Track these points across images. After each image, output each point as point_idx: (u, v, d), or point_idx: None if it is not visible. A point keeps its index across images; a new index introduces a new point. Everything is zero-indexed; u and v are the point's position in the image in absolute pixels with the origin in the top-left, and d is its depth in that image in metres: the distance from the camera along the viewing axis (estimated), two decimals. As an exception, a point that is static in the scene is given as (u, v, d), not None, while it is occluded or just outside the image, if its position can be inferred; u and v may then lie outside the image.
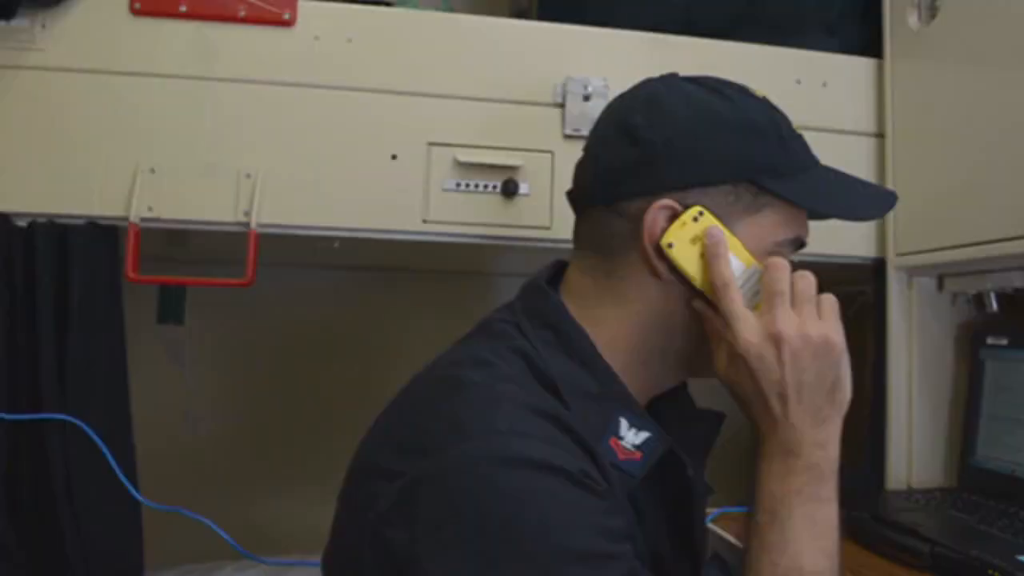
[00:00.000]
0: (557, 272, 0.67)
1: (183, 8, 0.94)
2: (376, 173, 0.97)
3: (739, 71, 1.06)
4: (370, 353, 1.44)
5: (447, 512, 0.49)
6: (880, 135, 1.10)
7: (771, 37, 1.11)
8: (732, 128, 0.60)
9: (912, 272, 1.05)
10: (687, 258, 0.59)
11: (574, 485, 0.50)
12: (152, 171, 0.93)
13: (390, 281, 1.50)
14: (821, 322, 0.56)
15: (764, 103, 0.63)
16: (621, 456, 0.58)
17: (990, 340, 1.01)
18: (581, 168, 0.66)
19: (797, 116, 1.06)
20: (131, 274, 0.92)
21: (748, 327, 0.56)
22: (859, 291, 1.19)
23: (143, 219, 0.93)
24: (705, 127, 0.60)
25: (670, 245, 0.59)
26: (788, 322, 0.55)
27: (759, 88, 0.68)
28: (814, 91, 1.09)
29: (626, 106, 0.64)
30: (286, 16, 0.96)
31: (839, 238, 1.09)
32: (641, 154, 0.60)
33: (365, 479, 0.57)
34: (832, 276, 1.26)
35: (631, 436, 0.59)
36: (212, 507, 1.01)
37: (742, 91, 0.63)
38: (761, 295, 0.58)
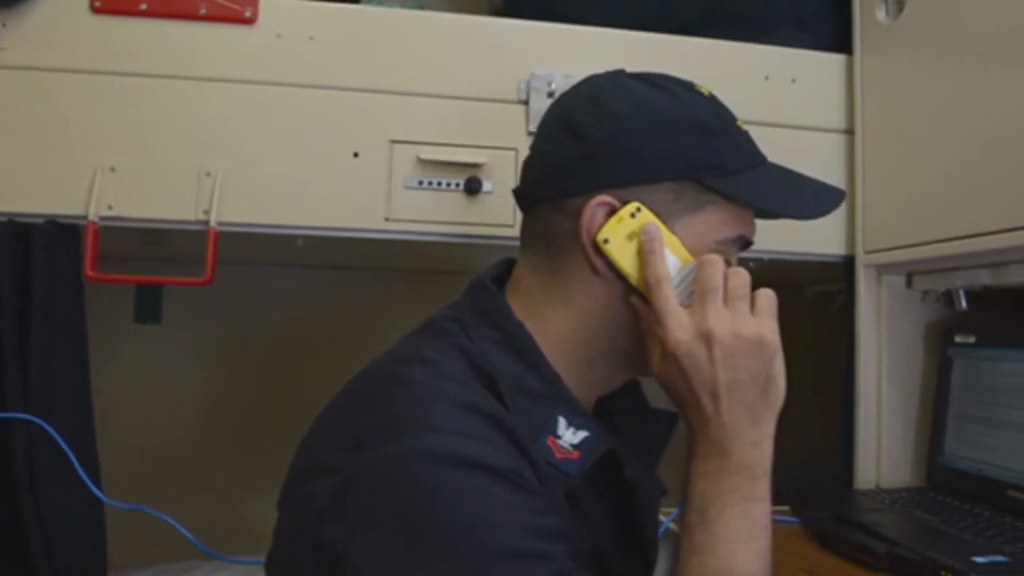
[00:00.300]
0: (506, 270, 0.67)
1: (143, 6, 0.94)
2: (338, 171, 0.97)
3: (707, 68, 1.07)
4: (347, 352, 1.43)
5: (377, 510, 0.49)
6: (850, 132, 1.09)
7: (742, 33, 1.10)
8: (675, 125, 0.59)
9: (881, 269, 1.04)
10: (623, 254, 0.58)
11: (506, 484, 0.50)
12: (112, 169, 0.93)
13: (367, 280, 1.50)
14: (754, 319, 0.55)
15: (710, 100, 0.63)
16: (558, 455, 0.57)
17: (958, 338, 1.00)
18: (527, 165, 0.66)
19: (765, 113, 1.08)
20: (89, 272, 0.92)
21: (679, 325, 0.55)
22: (840, 289, 1.18)
23: (103, 218, 0.92)
24: (647, 124, 0.59)
25: (606, 241, 0.58)
26: (719, 320, 0.55)
27: (704, 85, 0.67)
28: (783, 87, 1.08)
29: (571, 103, 0.63)
30: (248, 14, 0.96)
31: (809, 236, 1.08)
32: (584, 151, 0.60)
33: (303, 477, 0.56)
34: (812, 275, 1.27)
35: (569, 435, 0.58)
36: (190, 506, 1.01)
37: (688, 88, 0.63)
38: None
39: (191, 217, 0.94)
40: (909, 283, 1.04)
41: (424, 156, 0.98)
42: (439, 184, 0.98)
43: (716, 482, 0.54)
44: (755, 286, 1.76)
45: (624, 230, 0.58)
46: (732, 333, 0.54)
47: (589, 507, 0.60)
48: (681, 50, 1.07)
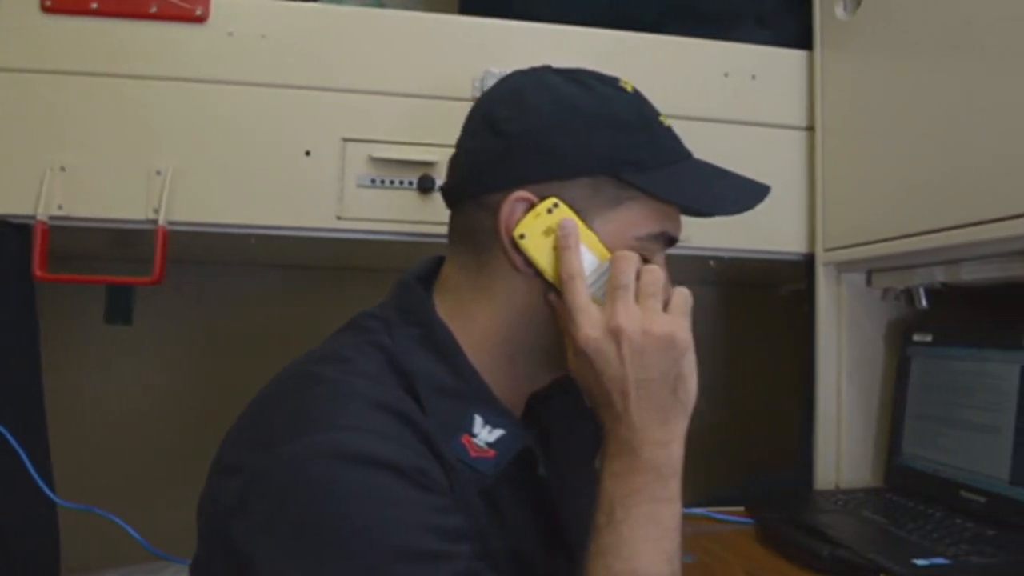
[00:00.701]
0: (434, 268, 0.66)
1: (94, 5, 0.94)
2: (290, 170, 0.96)
3: (665, 65, 1.07)
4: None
5: (277, 508, 0.49)
6: (811, 128, 1.08)
7: (702, 30, 1.09)
8: (593, 121, 0.59)
9: (841, 268, 1.03)
10: (539, 250, 0.58)
11: (408, 483, 0.50)
12: (62, 169, 0.93)
13: (343, 280, 1.49)
14: (666, 317, 0.55)
15: (631, 96, 0.62)
16: (473, 454, 0.57)
17: (916, 337, 0.99)
18: (452, 162, 0.65)
19: (725, 110, 1.07)
20: (38, 272, 0.91)
21: (589, 321, 0.54)
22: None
23: (52, 217, 0.92)
24: (565, 120, 0.59)
25: (522, 236, 0.58)
26: (629, 317, 0.54)
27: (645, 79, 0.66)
28: (743, 84, 1.07)
29: (492, 99, 0.63)
30: (199, 12, 0.96)
31: (770, 234, 1.08)
32: (503, 146, 0.59)
33: (216, 476, 0.56)
34: (784, 273, 1.25)
35: (485, 434, 0.57)
36: (164, 507, 1.01)
37: (610, 84, 0.62)
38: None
39: (141, 216, 0.94)
40: (869, 281, 1.03)
41: (377, 154, 0.97)
42: (392, 183, 0.98)
43: (624, 482, 0.53)
44: (729, 285, 1.75)
45: (540, 226, 0.57)
46: (642, 330, 0.54)
47: (508, 506, 0.59)
48: (638, 47, 1.06)
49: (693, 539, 0.86)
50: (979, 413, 0.87)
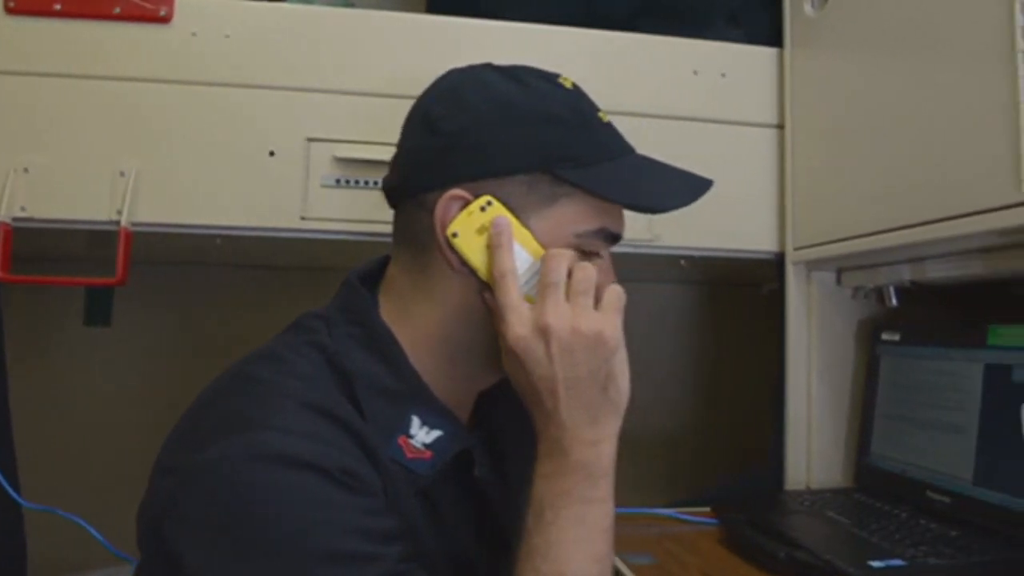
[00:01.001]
0: (380, 267, 0.66)
1: (57, 7, 0.94)
2: (254, 170, 0.96)
3: (634, 63, 1.06)
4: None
5: (205, 509, 0.49)
6: (781, 126, 1.07)
7: (673, 28, 1.09)
8: (526, 117, 0.58)
9: (811, 266, 1.02)
10: (472, 248, 0.57)
11: (335, 484, 0.49)
12: (26, 170, 0.92)
13: (325, 280, 1.49)
14: (596, 315, 0.54)
15: (569, 92, 0.61)
16: (409, 455, 0.56)
17: (885, 336, 0.98)
18: (393, 161, 0.65)
19: (694, 108, 1.07)
20: (1, 273, 0.91)
21: (519, 319, 0.54)
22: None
23: (15, 219, 0.92)
24: (499, 116, 0.58)
25: (455, 234, 0.57)
26: (557, 314, 0.53)
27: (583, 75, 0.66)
28: (712, 82, 1.06)
29: (429, 97, 0.63)
30: (162, 13, 0.95)
31: (740, 233, 1.07)
32: (438, 144, 0.59)
33: (153, 477, 0.56)
34: (767, 272, 1.25)
35: (422, 435, 0.57)
36: (129, 509, 1.00)
37: (548, 80, 0.61)
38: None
39: (105, 217, 0.93)
40: (839, 280, 1.02)
41: (341, 154, 0.97)
42: (356, 182, 0.97)
43: (553, 483, 0.53)
44: (714, 285, 1.74)
45: (474, 223, 0.57)
46: (570, 328, 0.53)
47: (448, 507, 0.59)
48: (607, 45, 1.05)
49: (655, 540, 0.86)
50: (944, 412, 0.86)
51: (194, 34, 0.96)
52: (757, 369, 1.44)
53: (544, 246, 0.57)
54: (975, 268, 0.80)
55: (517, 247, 0.57)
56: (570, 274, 0.55)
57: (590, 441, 0.53)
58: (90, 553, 1.03)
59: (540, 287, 0.55)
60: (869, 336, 1.02)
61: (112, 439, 1.37)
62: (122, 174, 0.94)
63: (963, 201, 0.74)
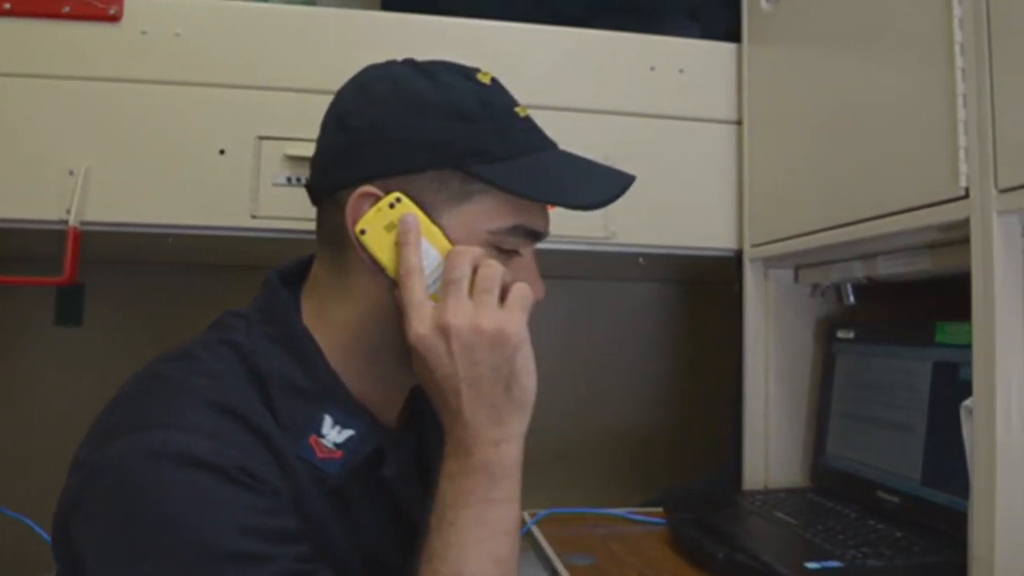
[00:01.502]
0: (305, 266, 0.65)
1: (7, 5, 0.93)
2: (203, 168, 0.96)
3: (590, 59, 1.05)
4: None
5: (103, 506, 0.49)
6: (739, 123, 1.06)
7: (632, 24, 1.08)
8: (434, 112, 0.57)
9: (768, 263, 1.01)
10: (380, 245, 0.56)
11: (228, 483, 0.49)
12: (-26, 170, 0.92)
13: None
14: (498, 312, 0.53)
15: (484, 87, 0.60)
16: (320, 455, 0.55)
17: (840, 334, 0.97)
18: (312, 159, 0.64)
19: (652, 104, 1.06)
20: (-53, 273, 0.91)
21: (420, 318, 0.53)
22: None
23: (-36, 218, 0.92)
24: (408, 112, 0.57)
25: (363, 231, 0.56)
26: (458, 312, 0.52)
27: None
28: (670, 78, 1.05)
29: (342, 93, 0.62)
30: (112, 11, 0.95)
31: (699, 230, 1.06)
32: (348, 141, 0.58)
33: (68, 475, 0.55)
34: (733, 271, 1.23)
35: (334, 435, 0.56)
36: None
37: (461, 74, 0.60)
38: None
39: (53, 217, 0.93)
40: (796, 278, 1.01)
41: (292, 152, 0.96)
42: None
43: (456, 483, 0.52)
44: (688, 283, 1.72)
45: (382, 221, 0.56)
46: (471, 326, 0.52)
47: (363, 507, 0.58)
48: (563, 41, 1.05)
49: (601, 541, 0.85)
50: (895, 411, 0.85)
51: (144, 33, 0.96)
52: (732, 368, 1.43)
53: (454, 244, 0.56)
54: (923, 264, 0.79)
55: (426, 244, 0.56)
56: (476, 272, 0.54)
57: (493, 441, 0.52)
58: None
59: (442, 285, 0.54)
60: (827, 334, 1.01)
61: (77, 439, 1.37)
62: (71, 173, 0.93)
63: (905, 196, 0.73)
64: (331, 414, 0.57)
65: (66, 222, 0.92)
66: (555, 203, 0.61)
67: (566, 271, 1.44)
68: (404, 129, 0.57)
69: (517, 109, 0.60)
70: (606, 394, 1.52)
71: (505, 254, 0.59)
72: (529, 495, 1.05)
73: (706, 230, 1.05)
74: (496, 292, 0.53)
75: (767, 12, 1.00)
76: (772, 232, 0.97)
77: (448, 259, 0.55)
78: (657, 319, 1.59)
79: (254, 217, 0.96)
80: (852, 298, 0.96)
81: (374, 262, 0.57)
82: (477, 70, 0.61)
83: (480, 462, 0.52)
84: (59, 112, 0.94)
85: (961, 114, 0.67)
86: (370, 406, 0.60)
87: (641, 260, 1.09)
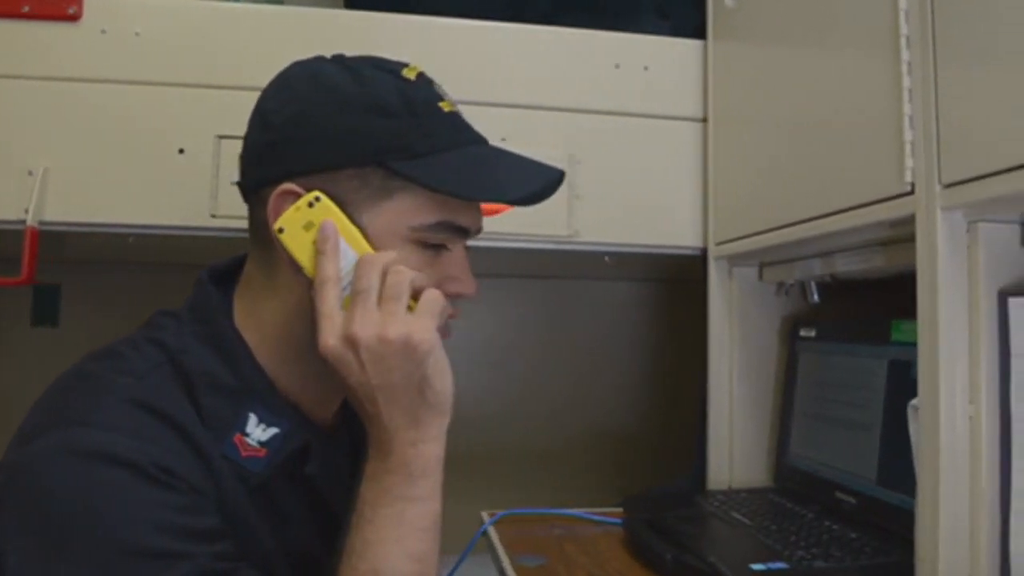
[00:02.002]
0: (238, 264, 0.65)
1: (-34, 5, 0.94)
2: (163, 168, 0.95)
3: (554, 56, 1.05)
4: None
5: (23, 504, 0.49)
6: (705, 120, 1.05)
7: (599, 21, 1.07)
8: (353, 108, 0.57)
9: (732, 261, 1.00)
10: (299, 245, 0.56)
11: (146, 481, 0.49)
12: (-67, 170, 0.92)
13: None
14: (406, 320, 0.52)
15: (406, 82, 0.59)
16: (244, 453, 0.55)
17: (803, 332, 0.96)
18: (240, 156, 0.63)
19: (617, 102, 1.05)
20: (-95, 274, 0.91)
21: (330, 328, 0.53)
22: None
23: (-79, 219, 0.92)
24: (326, 108, 0.57)
25: (281, 230, 0.56)
26: (364, 323, 0.52)
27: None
28: (635, 75, 1.05)
29: (266, 90, 0.62)
30: (71, 11, 0.95)
31: (665, 228, 1.05)
32: (270, 138, 0.58)
33: None
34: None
35: (258, 433, 0.56)
36: None
37: (384, 69, 0.59)
38: None
39: (12, 217, 0.93)
40: (761, 276, 1.00)
41: (251, 151, 0.96)
42: (267, 180, 0.96)
43: (375, 483, 0.52)
44: (669, 282, 1.71)
45: (301, 220, 0.55)
46: (377, 337, 0.51)
47: (290, 505, 0.58)
48: (527, 39, 1.04)
49: (557, 541, 0.85)
50: (852, 410, 0.84)
51: (103, 32, 0.96)
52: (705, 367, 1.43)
53: (376, 243, 0.56)
54: (878, 262, 0.78)
55: (344, 247, 0.55)
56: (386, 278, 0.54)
57: (411, 442, 0.52)
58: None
59: (351, 295, 0.54)
60: (791, 333, 1.00)
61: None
62: (30, 173, 0.93)
63: (856, 193, 0.72)
64: (256, 412, 0.56)
65: (24, 222, 0.92)
66: (474, 198, 0.59)
67: (547, 271, 1.44)
68: (323, 125, 0.56)
69: (442, 104, 0.59)
70: (587, 394, 1.52)
71: (432, 250, 0.58)
72: (507, 495, 1.06)
73: (672, 228, 1.05)
74: (404, 299, 0.53)
75: (731, 9, 0.99)
76: (735, 230, 0.96)
77: (357, 268, 0.54)
78: (639, 318, 1.58)
79: (214, 216, 0.96)
80: (816, 296, 0.95)
81: (293, 261, 0.56)
82: (405, 65, 0.61)
83: (398, 462, 0.52)
84: (17, 112, 0.94)
85: (907, 108, 0.66)
86: (303, 404, 0.60)
87: (607, 259, 1.08)
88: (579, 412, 1.52)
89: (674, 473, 1.34)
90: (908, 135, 0.65)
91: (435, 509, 0.53)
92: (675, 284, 1.55)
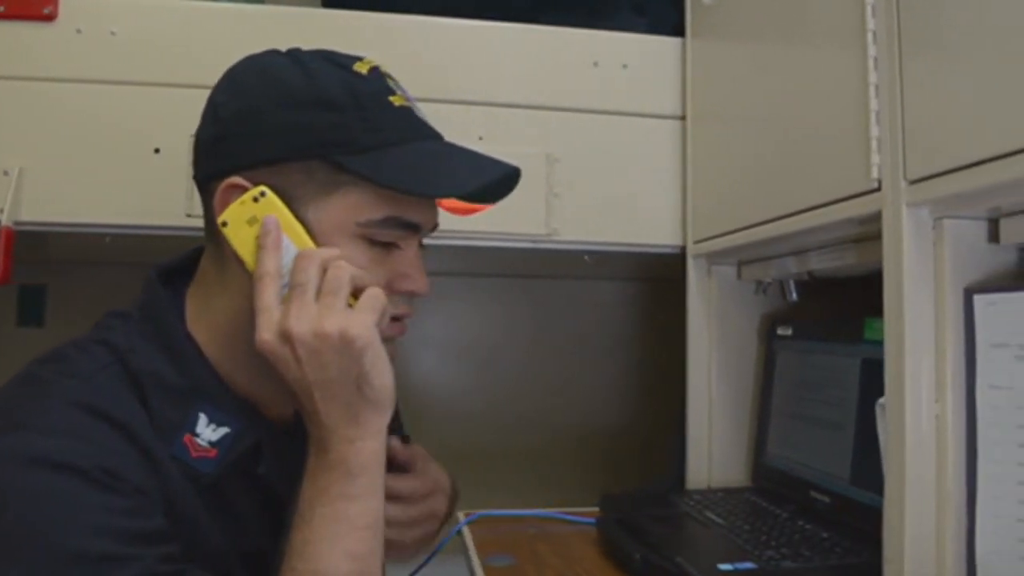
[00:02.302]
0: (190, 260, 0.64)
1: (-59, 5, 0.93)
2: (139, 167, 0.95)
3: (531, 55, 1.04)
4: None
5: None
6: (684, 118, 1.04)
7: (577, 19, 1.07)
8: (298, 101, 0.56)
9: (711, 260, 0.99)
10: (242, 239, 0.55)
11: (88, 484, 0.48)
12: (-92, 170, 0.92)
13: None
14: (342, 314, 0.51)
15: (356, 76, 0.58)
16: (194, 454, 0.55)
17: (780, 331, 0.95)
18: (193, 151, 0.63)
19: (594, 100, 1.04)
20: None
21: (267, 323, 0.52)
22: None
23: None
24: (272, 102, 0.56)
25: (224, 224, 0.55)
26: (301, 319, 0.51)
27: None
28: (613, 73, 1.04)
29: (217, 84, 0.61)
30: (47, 11, 0.95)
31: (644, 227, 1.05)
32: (217, 132, 0.58)
33: None
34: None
35: (208, 433, 0.56)
36: None
37: (336, 64, 0.58)
38: None
39: (-12, 217, 0.93)
40: (740, 274, 0.99)
41: (226, 150, 0.95)
42: (243, 179, 0.96)
43: (315, 480, 0.52)
44: (657, 281, 1.70)
45: (245, 214, 0.55)
46: (312, 332, 0.51)
47: (243, 504, 0.57)
48: (505, 37, 1.04)
49: (528, 541, 0.84)
50: (827, 409, 0.83)
51: (79, 31, 0.95)
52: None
53: (322, 239, 0.55)
54: (850, 259, 0.77)
55: (287, 242, 0.55)
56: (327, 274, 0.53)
57: (349, 439, 0.52)
58: None
59: (289, 289, 0.53)
60: (768, 331, 0.99)
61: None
62: (5, 173, 0.93)
63: (826, 190, 0.72)
64: (206, 412, 0.56)
65: (-1, 222, 0.92)
66: (419, 194, 0.57)
67: (532, 270, 1.43)
68: (267, 119, 0.56)
69: (393, 98, 0.58)
70: (573, 393, 1.51)
71: (382, 247, 0.58)
72: (491, 494, 1.06)
73: (651, 227, 1.04)
74: (342, 294, 0.52)
75: (709, 6, 0.98)
76: (713, 228, 0.96)
77: (295, 263, 0.53)
78: (624, 317, 1.57)
79: (189, 216, 0.95)
80: (795, 295, 0.95)
81: (236, 256, 0.56)
82: (358, 59, 0.60)
83: (336, 459, 0.51)
84: (-7, 112, 0.94)
85: (873, 104, 0.65)
86: (258, 402, 0.60)
87: (587, 258, 1.08)
88: (564, 411, 1.52)
89: (659, 472, 1.34)
90: (875, 131, 0.65)
91: (375, 507, 0.52)
92: (659, 283, 1.54)
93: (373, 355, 0.52)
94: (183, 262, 0.63)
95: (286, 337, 0.51)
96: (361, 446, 0.52)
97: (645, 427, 1.52)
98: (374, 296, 0.53)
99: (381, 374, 0.53)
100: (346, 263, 0.53)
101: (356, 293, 0.54)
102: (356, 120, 0.56)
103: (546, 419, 1.49)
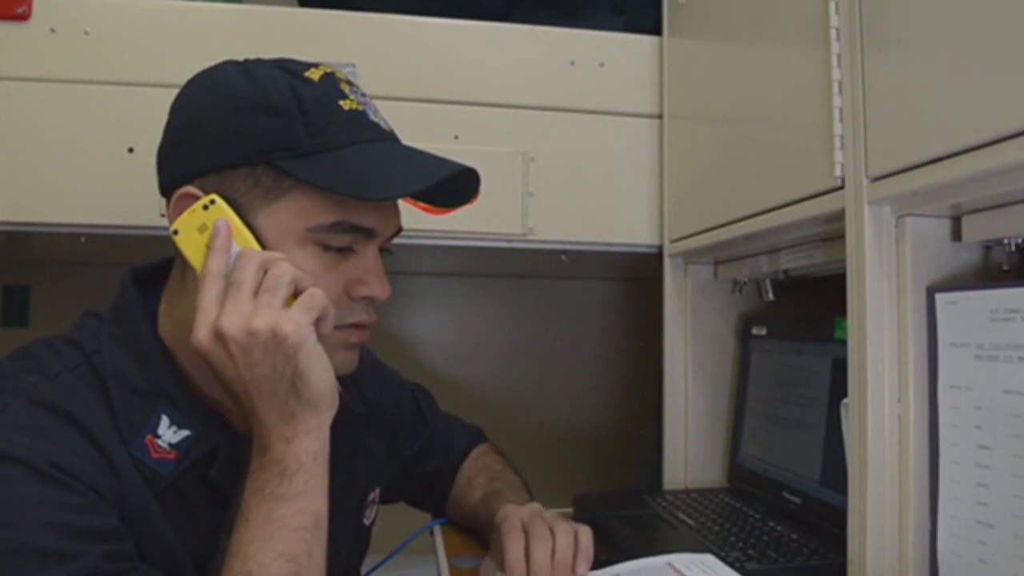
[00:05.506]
0: (166, 264, 0.64)
1: (-86, 6, 0.93)
2: (113, 167, 0.95)
3: (506, 54, 1.04)
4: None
5: None
6: (661, 116, 1.04)
7: (554, 17, 1.07)
8: (241, 108, 0.56)
9: (687, 258, 0.99)
10: (193, 247, 0.56)
11: (37, 478, 0.48)
12: None
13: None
14: (274, 312, 0.51)
15: (304, 82, 0.57)
16: (155, 455, 0.55)
17: (754, 330, 0.94)
18: None
19: (571, 99, 1.04)
20: None
21: (203, 322, 0.52)
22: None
23: None
24: (216, 109, 0.57)
25: (176, 232, 0.56)
26: (232, 317, 0.51)
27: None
28: (589, 72, 1.04)
29: (177, 94, 0.61)
30: (20, 11, 0.95)
31: (621, 226, 1.05)
32: (171, 141, 0.59)
33: None
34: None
35: (169, 435, 0.55)
36: None
37: (283, 70, 0.58)
38: None
39: (-39, 218, 0.93)
40: (716, 273, 0.99)
41: (200, 150, 0.95)
42: (217, 179, 0.96)
43: (252, 480, 0.52)
44: (642, 281, 1.69)
45: (195, 222, 0.55)
46: (243, 329, 0.51)
47: (201, 506, 0.57)
48: (480, 36, 1.03)
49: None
50: (798, 410, 0.83)
51: (53, 31, 0.95)
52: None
53: (272, 245, 0.55)
54: (819, 258, 0.77)
55: (236, 249, 0.55)
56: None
57: (285, 438, 0.52)
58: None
59: (226, 288, 0.53)
60: (744, 331, 0.99)
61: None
62: (-22, 173, 0.93)
63: (793, 188, 0.72)
64: (168, 414, 0.56)
65: (-31, 223, 0.92)
66: (363, 197, 0.56)
67: (509, 269, 1.43)
68: (213, 126, 0.56)
69: (343, 102, 0.58)
70: (554, 392, 1.51)
71: (336, 252, 0.57)
72: None
73: (628, 226, 1.04)
74: (280, 293, 0.52)
75: (684, 4, 0.98)
76: (689, 227, 0.95)
77: (234, 262, 0.53)
78: (604, 317, 1.57)
79: (163, 216, 0.94)
80: (771, 294, 0.94)
81: (187, 263, 0.56)
82: (313, 66, 0.59)
83: (273, 459, 0.51)
84: (-34, 112, 0.94)
85: (836, 101, 0.65)
86: (224, 406, 0.59)
87: (564, 257, 1.07)
88: (542, 411, 1.52)
89: (637, 471, 1.34)
90: (838, 128, 0.64)
91: (312, 507, 0.52)
92: (638, 283, 1.54)
93: (307, 354, 0.52)
94: (160, 265, 0.63)
95: (219, 335, 0.51)
96: (298, 445, 0.52)
97: (624, 426, 1.52)
98: (312, 296, 0.53)
99: (317, 373, 0.52)
100: (288, 264, 0.53)
101: (299, 295, 0.53)
102: (299, 125, 0.56)
103: (524, 419, 1.49)
